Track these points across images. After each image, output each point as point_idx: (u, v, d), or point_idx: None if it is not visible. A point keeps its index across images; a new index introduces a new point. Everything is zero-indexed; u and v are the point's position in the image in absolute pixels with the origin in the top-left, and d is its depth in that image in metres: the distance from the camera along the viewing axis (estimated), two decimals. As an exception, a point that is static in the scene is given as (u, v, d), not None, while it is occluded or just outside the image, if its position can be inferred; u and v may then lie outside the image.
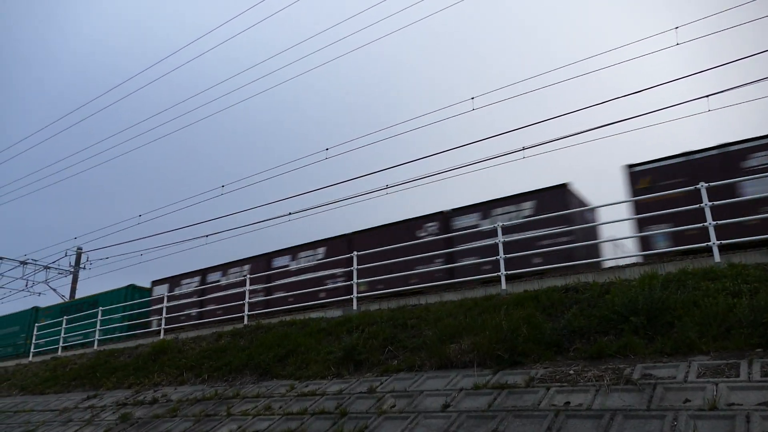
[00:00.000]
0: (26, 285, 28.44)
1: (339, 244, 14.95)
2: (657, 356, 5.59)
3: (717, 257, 7.70)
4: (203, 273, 18.40)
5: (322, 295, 13.62)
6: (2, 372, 17.15)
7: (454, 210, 13.27)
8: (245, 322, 12.77)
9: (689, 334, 5.59)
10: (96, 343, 16.37)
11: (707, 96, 11.04)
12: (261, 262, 16.78)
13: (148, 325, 17.42)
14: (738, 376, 4.75)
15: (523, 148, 13.18)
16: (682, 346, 5.55)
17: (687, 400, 4.59)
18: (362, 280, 12.21)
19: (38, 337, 19.86)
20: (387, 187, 15.39)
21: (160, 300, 15.95)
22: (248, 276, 13.79)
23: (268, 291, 15.59)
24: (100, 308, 17.15)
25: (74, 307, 21.07)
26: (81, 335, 17.93)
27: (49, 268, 28.29)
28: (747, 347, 5.19)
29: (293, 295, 13.59)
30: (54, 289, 28.65)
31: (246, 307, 12.92)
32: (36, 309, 23.64)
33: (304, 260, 15.49)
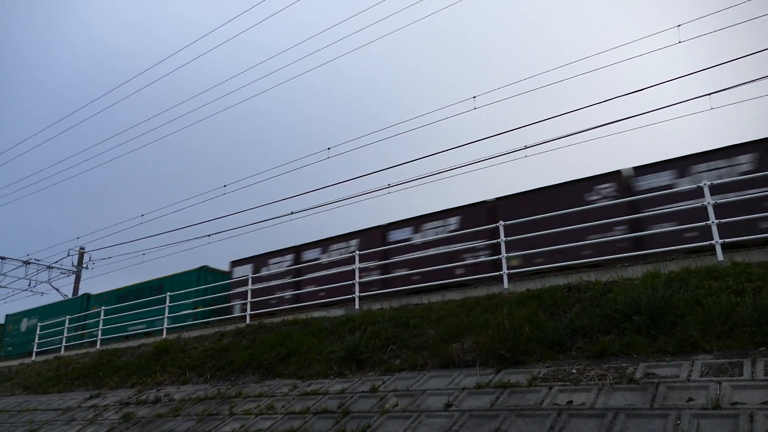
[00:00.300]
0: (29, 285, 28.56)
1: (477, 213, 12.91)
2: (660, 355, 5.58)
3: (720, 256, 7.68)
4: (297, 251, 16.22)
5: (460, 271, 11.84)
6: (5, 371, 17.21)
7: (636, 168, 11.34)
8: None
9: (692, 333, 5.58)
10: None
11: (709, 94, 11.03)
12: (374, 236, 14.48)
13: (228, 310, 15.50)
14: (741, 375, 4.74)
15: (525, 147, 13.18)
16: (685, 345, 5.54)
17: (690, 399, 4.58)
18: (516, 254, 10.74)
19: (90, 327, 18.19)
20: (389, 186, 15.40)
21: (245, 282, 14.07)
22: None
23: (385, 269, 13.57)
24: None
25: (133, 292, 19.17)
26: (145, 324, 16.18)
27: (51, 267, 28.40)
28: (750, 346, 5.17)
29: (420, 273, 11.73)
30: (57, 289, 28.78)
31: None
32: (87, 296, 21.98)
33: (431, 233, 13.39)
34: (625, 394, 4.99)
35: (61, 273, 28.57)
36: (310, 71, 20.84)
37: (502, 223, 9.97)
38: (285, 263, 16.24)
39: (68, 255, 28.18)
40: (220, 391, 8.83)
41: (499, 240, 9.63)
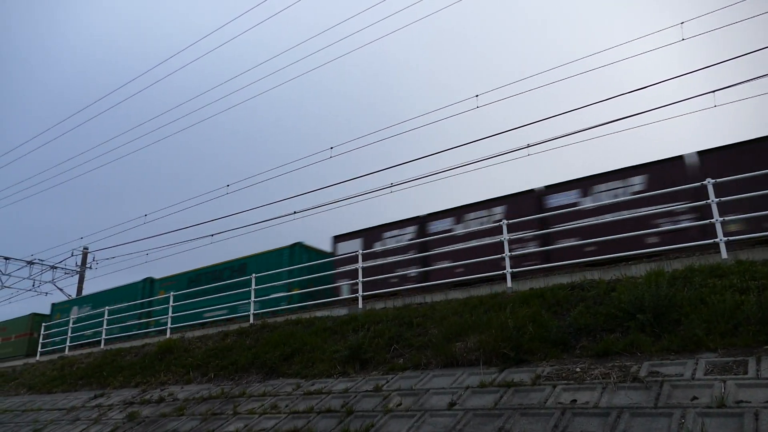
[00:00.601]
0: (33, 285, 28.64)
1: (670, 170, 10.72)
2: (664, 354, 5.57)
3: (724, 254, 7.65)
4: (422, 222, 13.96)
5: (653, 240, 9.97)
6: (10, 371, 17.27)
7: None
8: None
9: (696, 332, 5.57)
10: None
11: (713, 91, 10.99)
12: (525, 201, 12.48)
13: (333, 292, 13.61)
14: (746, 373, 4.73)
15: (528, 146, 13.16)
16: (689, 344, 5.52)
17: (695, 398, 4.57)
18: (737, 217, 8.98)
19: (156, 314, 16.65)
20: (391, 185, 15.39)
21: (353, 259, 12.21)
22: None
23: (545, 240, 11.64)
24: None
25: (209, 274, 17.08)
26: (226, 309, 14.13)
27: (55, 268, 28.47)
28: (755, 344, 5.16)
29: (596, 242, 9.89)
30: (61, 289, 28.87)
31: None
32: (151, 280, 19.80)
33: (606, 195, 11.32)
34: (629, 393, 4.98)
35: (65, 273, 28.67)
36: (312, 71, 20.89)
37: (505, 222, 9.94)
38: (406, 236, 13.97)
39: (72, 255, 28.30)
40: (223, 391, 8.84)
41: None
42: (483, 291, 9.47)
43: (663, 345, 5.68)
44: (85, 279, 28.48)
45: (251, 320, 12.61)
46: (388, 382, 7.05)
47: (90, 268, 28.56)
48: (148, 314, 17.19)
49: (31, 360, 18.59)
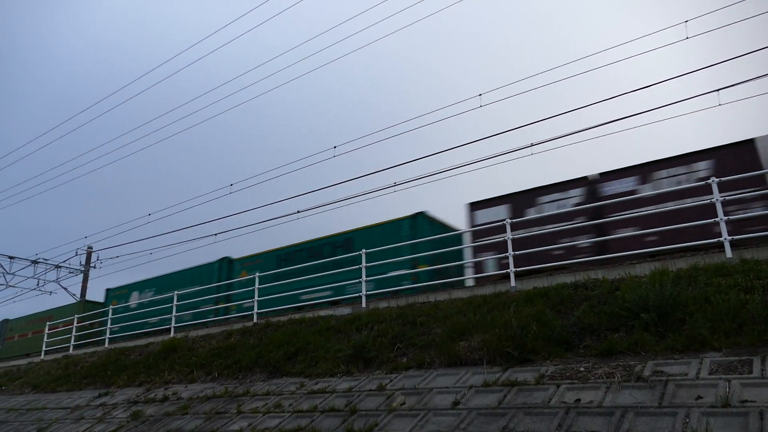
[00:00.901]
0: (38, 284, 28.74)
1: None
2: (668, 353, 5.56)
3: (728, 253, 7.62)
4: (590, 183, 11.72)
5: None
6: (15, 370, 17.35)
7: None
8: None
9: (701, 331, 5.55)
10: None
11: (717, 90, 10.95)
12: (740, 154, 10.03)
13: (473, 268, 11.70)
14: (751, 372, 4.71)
15: (532, 144, 13.13)
16: (693, 343, 5.51)
17: (699, 397, 4.56)
18: None
19: (237, 297, 15.06)
20: (394, 184, 15.38)
21: (498, 229, 10.27)
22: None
23: None
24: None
25: (305, 251, 15.00)
26: (331, 290, 12.46)
27: (60, 267, 28.54)
28: (760, 343, 5.14)
29: None
30: (65, 288, 28.96)
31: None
32: (228, 260, 17.55)
33: None
34: (633, 393, 4.97)
35: (69, 272, 28.73)
36: (315, 70, 20.86)
37: (508, 221, 9.90)
38: (569, 201, 11.78)
39: (76, 254, 28.35)
40: (227, 390, 8.86)
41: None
42: (486, 290, 9.47)
43: (667, 344, 5.67)
44: (89, 278, 28.58)
45: (256, 321, 12.61)
46: (391, 381, 7.06)
47: (94, 267, 28.65)
48: (227, 298, 15.47)
49: (36, 359, 18.67)
